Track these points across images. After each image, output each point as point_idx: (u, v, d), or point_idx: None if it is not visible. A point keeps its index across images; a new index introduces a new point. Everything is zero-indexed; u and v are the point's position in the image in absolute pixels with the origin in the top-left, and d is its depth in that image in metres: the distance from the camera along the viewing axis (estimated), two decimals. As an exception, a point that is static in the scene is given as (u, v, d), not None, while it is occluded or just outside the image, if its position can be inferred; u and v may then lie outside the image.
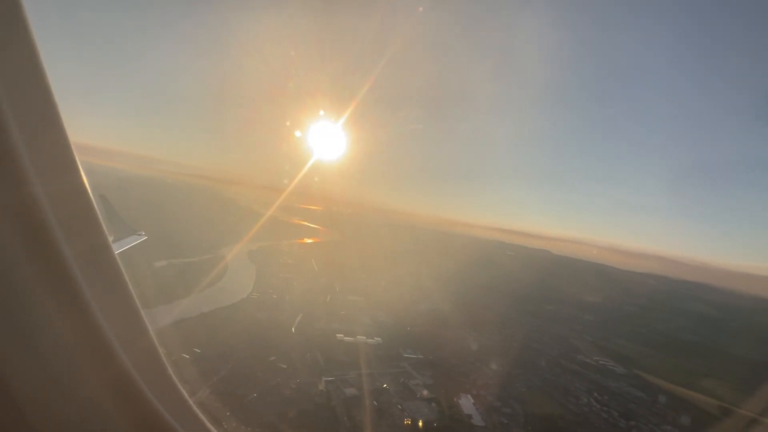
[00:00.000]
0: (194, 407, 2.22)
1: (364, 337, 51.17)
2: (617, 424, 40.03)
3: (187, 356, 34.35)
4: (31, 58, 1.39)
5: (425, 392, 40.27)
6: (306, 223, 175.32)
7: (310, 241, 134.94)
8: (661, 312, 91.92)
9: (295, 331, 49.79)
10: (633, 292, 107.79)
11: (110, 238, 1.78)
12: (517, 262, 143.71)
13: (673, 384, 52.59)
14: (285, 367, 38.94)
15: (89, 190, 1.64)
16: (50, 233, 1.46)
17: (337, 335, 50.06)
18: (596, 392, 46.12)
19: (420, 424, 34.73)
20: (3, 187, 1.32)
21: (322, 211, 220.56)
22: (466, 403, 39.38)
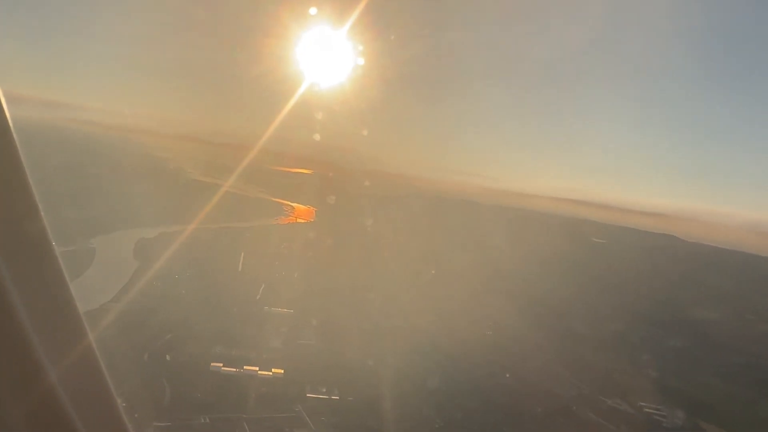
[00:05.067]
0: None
1: (257, 368, 52.94)
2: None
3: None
4: None
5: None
6: (268, 197, 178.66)
7: (260, 224, 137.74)
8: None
9: (151, 357, 52.27)
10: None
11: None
12: (604, 253, 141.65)
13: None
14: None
15: (18, 148, 1.79)
16: None
17: (213, 364, 52.12)
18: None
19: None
20: None
21: (311, 177, 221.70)
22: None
